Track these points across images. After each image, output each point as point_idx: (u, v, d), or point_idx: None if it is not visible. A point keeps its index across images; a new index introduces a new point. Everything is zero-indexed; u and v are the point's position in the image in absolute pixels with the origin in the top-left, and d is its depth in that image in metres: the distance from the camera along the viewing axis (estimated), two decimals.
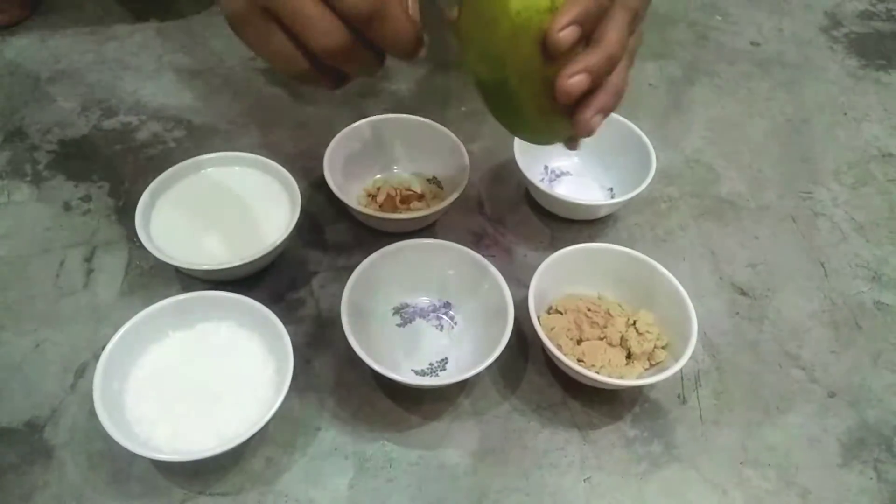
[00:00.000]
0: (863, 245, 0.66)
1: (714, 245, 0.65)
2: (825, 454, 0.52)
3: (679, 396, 0.55)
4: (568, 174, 0.69)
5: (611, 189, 0.67)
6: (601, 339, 0.54)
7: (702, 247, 0.65)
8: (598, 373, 0.51)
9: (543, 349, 0.53)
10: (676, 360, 0.51)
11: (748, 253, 0.65)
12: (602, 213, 0.66)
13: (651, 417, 0.53)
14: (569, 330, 0.54)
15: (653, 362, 0.54)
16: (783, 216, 0.68)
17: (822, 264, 0.64)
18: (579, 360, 0.53)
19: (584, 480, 0.50)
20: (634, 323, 0.54)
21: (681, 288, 0.54)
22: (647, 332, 0.54)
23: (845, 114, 0.80)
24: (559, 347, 0.52)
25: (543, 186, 0.62)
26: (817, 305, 0.61)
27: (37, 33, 0.82)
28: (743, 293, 0.62)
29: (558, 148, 0.68)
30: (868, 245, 0.66)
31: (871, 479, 0.51)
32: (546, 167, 0.69)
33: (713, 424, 0.53)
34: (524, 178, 0.63)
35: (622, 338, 0.54)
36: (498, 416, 0.53)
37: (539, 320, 0.52)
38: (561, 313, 0.55)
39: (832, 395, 0.55)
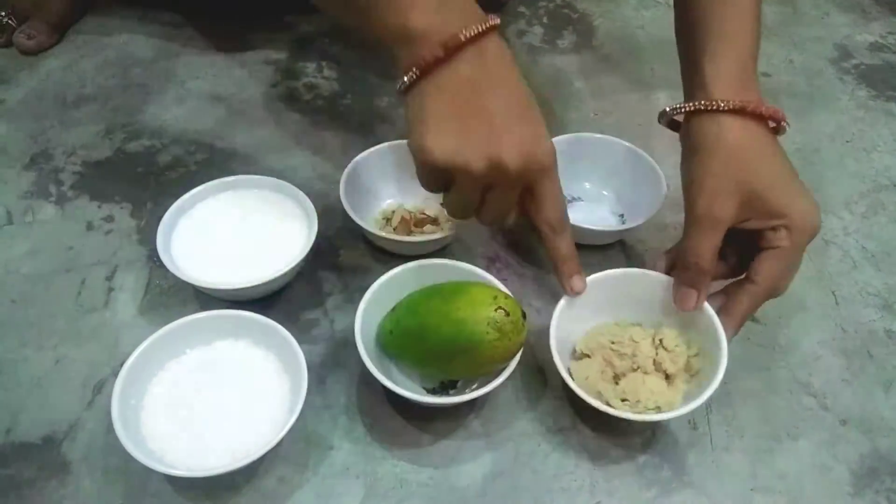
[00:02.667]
0: (874, 274, 0.66)
1: None
2: (836, 483, 0.52)
3: (690, 422, 0.55)
4: (579, 200, 0.70)
5: (622, 215, 0.68)
6: (635, 369, 0.53)
7: None
8: (647, 407, 0.51)
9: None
10: (712, 365, 0.51)
11: None
12: (613, 239, 0.66)
13: (662, 443, 0.53)
14: (602, 372, 0.54)
15: (691, 373, 0.53)
16: None
17: (834, 292, 0.65)
18: (623, 400, 0.52)
19: None
20: (661, 342, 0.54)
21: None
22: (676, 347, 0.53)
23: (855, 144, 0.81)
24: (599, 395, 0.51)
25: None
26: (828, 333, 0.61)
27: (64, 59, 0.85)
28: (754, 320, 0.62)
29: (570, 174, 0.69)
30: (879, 274, 0.66)
31: None
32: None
33: (724, 451, 0.53)
34: None
35: (654, 361, 0.53)
36: (509, 439, 0.53)
37: (571, 373, 0.52)
38: (588, 356, 0.55)
39: (844, 422, 0.55)
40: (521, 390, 0.56)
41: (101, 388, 0.54)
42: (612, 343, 0.55)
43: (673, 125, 0.58)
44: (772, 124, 0.53)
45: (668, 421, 0.54)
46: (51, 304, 0.60)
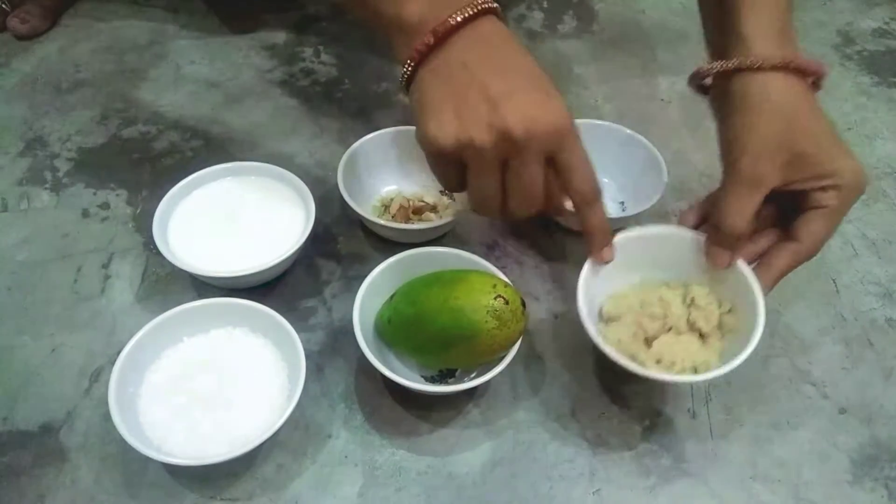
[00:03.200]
0: (875, 262, 0.66)
1: None
2: (835, 470, 0.52)
3: (689, 410, 0.55)
4: None
5: (622, 203, 0.68)
6: (668, 330, 0.52)
7: None
8: (683, 368, 0.49)
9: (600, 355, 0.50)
10: (748, 322, 0.49)
11: None
12: (613, 227, 0.65)
13: (660, 431, 0.53)
14: (634, 334, 0.52)
15: (724, 331, 0.52)
16: None
17: (834, 280, 0.64)
18: (658, 361, 0.51)
19: (593, 493, 0.50)
20: (693, 300, 0.52)
21: None
22: (709, 304, 0.52)
23: (857, 131, 0.80)
24: (633, 357, 0.50)
25: None
26: (829, 322, 0.61)
27: (58, 44, 0.84)
28: None
29: None
30: (880, 262, 0.66)
31: (883, 496, 0.51)
32: None
33: (723, 439, 0.53)
34: None
35: (688, 320, 0.52)
36: (507, 427, 0.53)
37: (602, 336, 0.50)
38: (616, 319, 0.53)
39: (843, 411, 0.55)
40: (520, 379, 0.55)
41: (98, 376, 0.54)
42: (642, 306, 0.53)
43: (701, 88, 0.55)
44: (810, 80, 0.51)
45: (660, 407, 0.54)
46: (47, 292, 0.59)
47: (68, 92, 0.78)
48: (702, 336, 0.52)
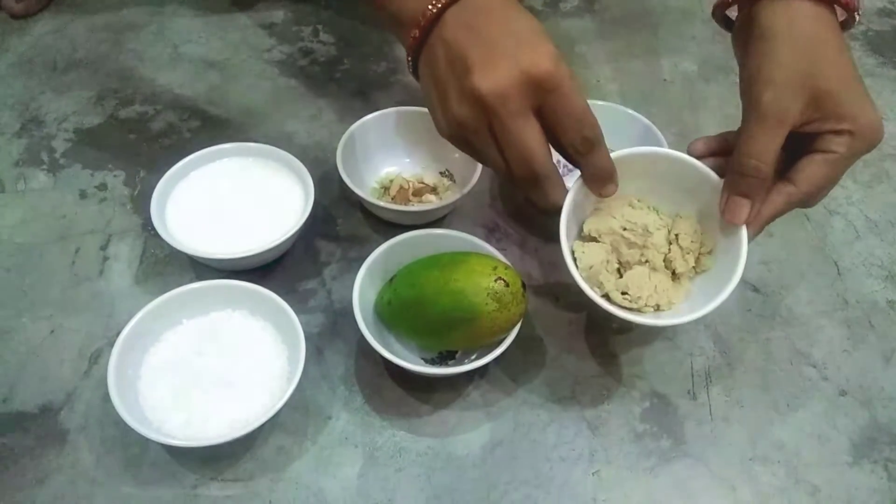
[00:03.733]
0: (877, 244, 0.66)
1: None
2: (835, 452, 0.52)
3: (689, 392, 0.55)
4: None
5: None
6: (643, 262, 0.50)
7: None
8: (647, 305, 0.48)
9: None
10: (722, 267, 0.48)
11: (761, 250, 0.64)
12: None
13: (660, 412, 0.53)
14: (608, 262, 0.50)
15: (699, 270, 0.51)
16: (797, 214, 0.67)
17: (836, 262, 0.64)
18: (623, 293, 0.50)
19: (593, 474, 0.50)
20: (677, 237, 0.50)
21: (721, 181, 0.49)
22: (692, 243, 0.50)
23: None
24: (601, 285, 0.49)
25: None
26: (830, 304, 0.61)
27: (54, 23, 0.83)
28: (755, 290, 0.61)
29: None
30: (882, 244, 0.66)
31: (882, 478, 0.51)
32: (559, 161, 0.68)
33: (723, 420, 0.53)
34: None
35: (665, 258, 0.50)
36: (507, 409, 0.53)
37: (574, 255, 0.49)
38: (596, 239, 0.51)
39: (843, 393, 0.55)
40: (520, 361, 0.55)
41: (97, 358, 0.54)
42: (624, 230, 0.50)
43: (725, 23, 0.53)
44: (841, 16, 0.48)
45: (660, 388, 0.54)
46: (45, 274, 0.59)
47: (64, 72, 0.77)
48: (674, 275, 0.51)
